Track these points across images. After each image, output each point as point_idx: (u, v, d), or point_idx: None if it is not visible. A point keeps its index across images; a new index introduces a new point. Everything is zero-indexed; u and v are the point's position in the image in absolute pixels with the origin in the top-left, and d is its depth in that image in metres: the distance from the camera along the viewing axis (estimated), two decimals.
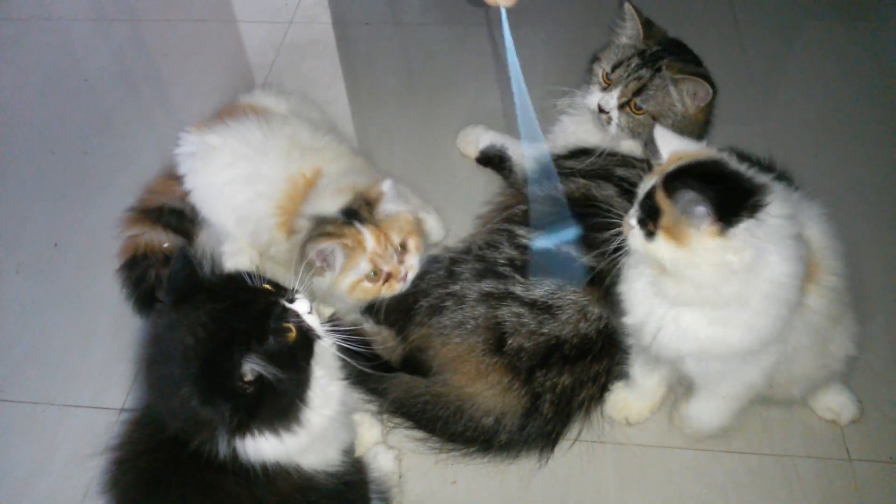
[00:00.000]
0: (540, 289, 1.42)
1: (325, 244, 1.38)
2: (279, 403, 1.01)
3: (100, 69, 2.34)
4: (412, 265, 1.46)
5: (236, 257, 1.72)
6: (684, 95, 1.53)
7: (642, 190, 1.15)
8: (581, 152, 1.65)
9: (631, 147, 1.62)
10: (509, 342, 1.39)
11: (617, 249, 1.22)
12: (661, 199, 1.09)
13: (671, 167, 1.11)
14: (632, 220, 1.15)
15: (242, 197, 1.57)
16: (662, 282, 1.14)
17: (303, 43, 2.36)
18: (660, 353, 1.22)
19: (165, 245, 1.67)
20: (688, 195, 1.04)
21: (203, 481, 1.01)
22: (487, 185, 1.87)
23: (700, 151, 1.15)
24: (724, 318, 1.12)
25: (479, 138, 1.94)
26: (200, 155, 1.60)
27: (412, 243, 1.47)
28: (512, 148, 1.84)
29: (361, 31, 2.42)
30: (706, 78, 1.52)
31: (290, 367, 1.01)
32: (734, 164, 1.12)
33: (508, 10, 0.96)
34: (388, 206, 1.44)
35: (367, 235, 1.41)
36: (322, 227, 1.41)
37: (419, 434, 1.44)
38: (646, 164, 1.45)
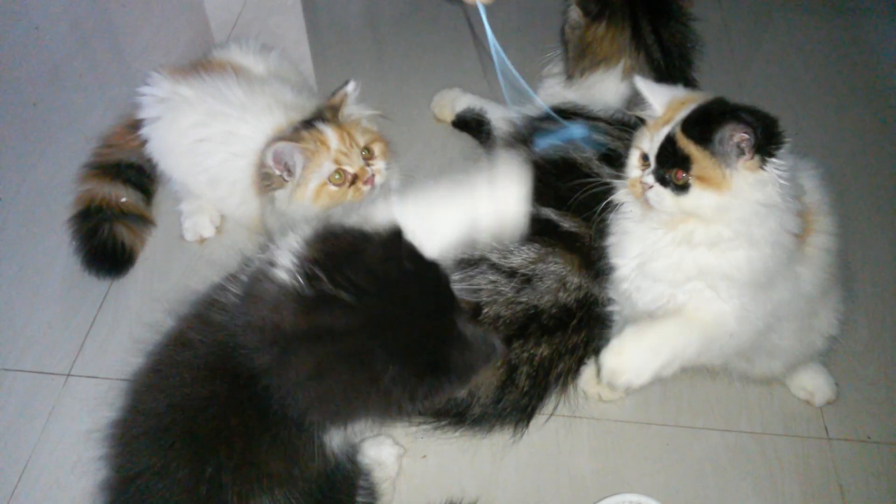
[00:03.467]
0: (518, 256, 1.36)
1: (284, 144, 1.31)
2: None
3: (52, 18, 2.20)
4: (379, 169, 1.39)
5: (195, 217, 1.62)
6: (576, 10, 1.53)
7: (654, 144, 1.09)
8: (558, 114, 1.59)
9: (603, 103, 1.56)
10: (485, 311, 1.32)
11: (604, 208, 1.20)
12: (687, 146, 1.04)
13: (684, 113, 1.06)
14: (647, 178, 1.10)
15: (216, 158, 1.47)
16: (687, 230, 1.09)
17: None
18: (649, 295, 1.18)
19: (123, 200, 1.57)
20: (734, 126, 1.00)
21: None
22: (463, 151, 1.80)
23: (697, 95, 1.12)
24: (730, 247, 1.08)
25: (456, 101, 1.86)
26: (169, 104, 1.48)
27: (378, 149, 1.40)
28: (490, 111, 1.77)
29: None
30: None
31: None
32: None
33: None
34: (352, 108, 1.39)
35: (330, 134, 1.34)
36: (281, 135, 1.34)
37: None
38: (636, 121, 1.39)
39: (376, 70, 2.08)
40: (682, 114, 1.06)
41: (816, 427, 1.39)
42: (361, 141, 1.37)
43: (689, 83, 1.53)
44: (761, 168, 1.01)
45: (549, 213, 1.37)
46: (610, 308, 1.32)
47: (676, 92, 1.14)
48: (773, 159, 1.01)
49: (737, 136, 1.00)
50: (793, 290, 1.13)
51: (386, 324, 0.87)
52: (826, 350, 1.34)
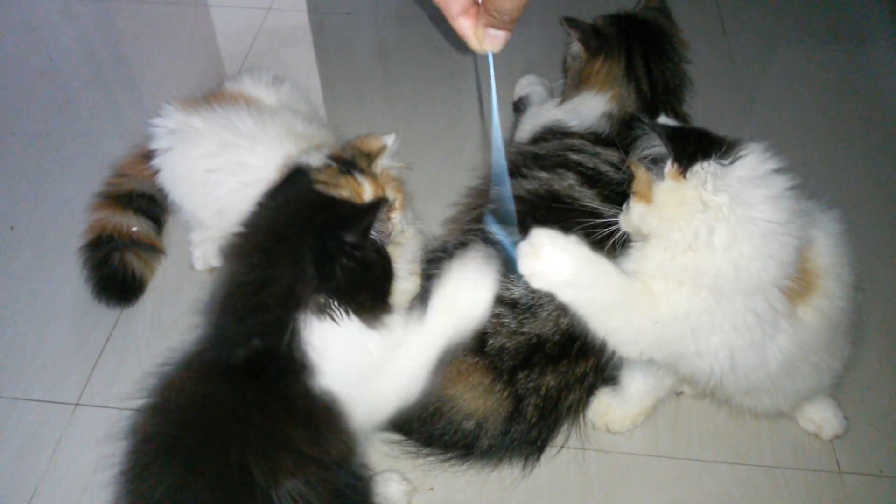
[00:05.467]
0: (519, 287, 1.36)
1: None
2: (374, 284, 1.07)
3: (66, 49, 2.24)
4: (396, 223, 1.38)
5: (205, 246, 1.63)
6: (578, 45, 1.63)
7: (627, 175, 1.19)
8: (541, 137, 1.66)
9: (581, 118, 1.63)
10: (490, 342, 1.33)
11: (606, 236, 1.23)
12: (633, 165, 1.12)
13: None
14: (625, 206, 1.17)
15: (226, 188, 1.48)
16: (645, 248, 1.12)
17: (281, 30, 2.28)
18: None
19: (134, 229, 1.58)
20: (645, 137, 1.08)
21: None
22: (468, 182, 1.81)
23: None
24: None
25: (522, 86, 2.00)
26: (181, 135, 1.49)
27: (398, 201, 1.40)
28: (528, 113, 1.83)
29: (342, 20, 2.35)
30: (585, 32, 1.60)
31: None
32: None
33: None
34: (385, 161, 1.38)
35: (367, 187, 1.33)
36: (316, 175, 1.31)
37: (395, 437, 1.37)
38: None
39: (384, 100, 2.10)
40: None
41: (828, 460, 1.37)
42: (391, 196, 1.36)
43: (678, 116, 1.61)
44: (683, 176, 1.04)
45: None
46: None
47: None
48: (697, 168, 1.04)
49: (652, 148, 1.07)
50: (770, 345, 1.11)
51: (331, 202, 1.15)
52: (834, 385, 1.33)
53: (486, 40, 0.84)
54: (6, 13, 2.34)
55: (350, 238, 1.02)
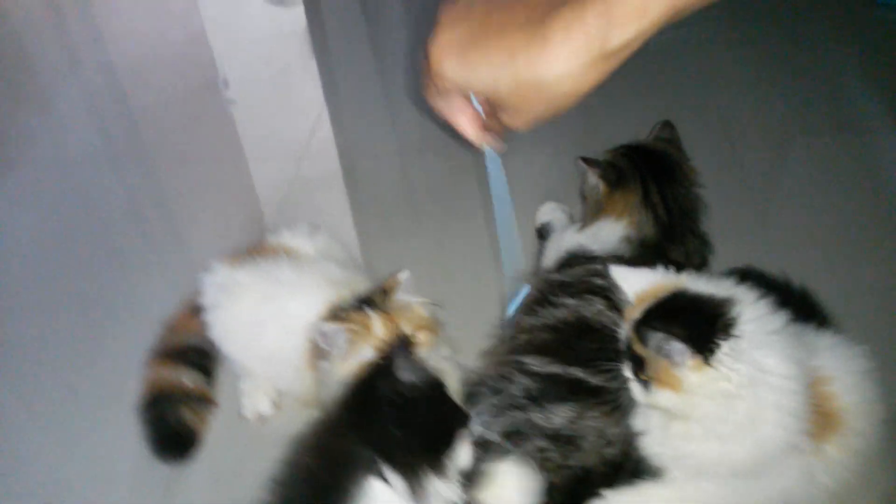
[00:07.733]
0: (559, 417, 1.39)
1: (330, 326, 1.40)
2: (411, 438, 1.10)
3: (117, 212, 2.40)
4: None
5: (254, 394, 1.70)
6: (596, 178, 1.71)
7: (623, 339, 1.14)
8: (565, 263, 1.73)
9: (602, 242, 1.69)
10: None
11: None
12: (639, 349, 1.08)
13: (638, 313, 1.10)
14: (626, 371, 1.14)
15: (270, 337, 1.57)
16: (670, 424, 1.12)
17: (314, 177, 2.42)
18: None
19: (187, 383, 1.66)
20: (657, 339, 1.03)
21: None
22: (502, 311, 1.86)
23: (659, 284, 1.13)
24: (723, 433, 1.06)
25: (543, 213, 2.10)
26: (228, 290, 1.60)
27: (422, 337, 1.46)
28: (552, 239, 1.90)
29: (370, 162, 2.50)
30: (604, 169, 1.69)
31: None
32: (694, 285, 1.10)
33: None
34: (402, 295, 1.47)
35: (376, 321, 1.41)
36: (334, 311, 1.43)
37: None
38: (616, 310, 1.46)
39: (414, 233, 2.20)
40: (638, 312, 1.09)
41: None
42: (407, 330, 1.44)
43: (696, 236, 1.70)
44: (707, 366, 1.00)
45: (577, 371, 1.42)
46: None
47: (644, 281, 1.15)
48: (720, 355, 1.00)
49: (668, 344, 1.02)
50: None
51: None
52: None
53: (492, 142, 0.92)
54: (63, 182, 2.53)
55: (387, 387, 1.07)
